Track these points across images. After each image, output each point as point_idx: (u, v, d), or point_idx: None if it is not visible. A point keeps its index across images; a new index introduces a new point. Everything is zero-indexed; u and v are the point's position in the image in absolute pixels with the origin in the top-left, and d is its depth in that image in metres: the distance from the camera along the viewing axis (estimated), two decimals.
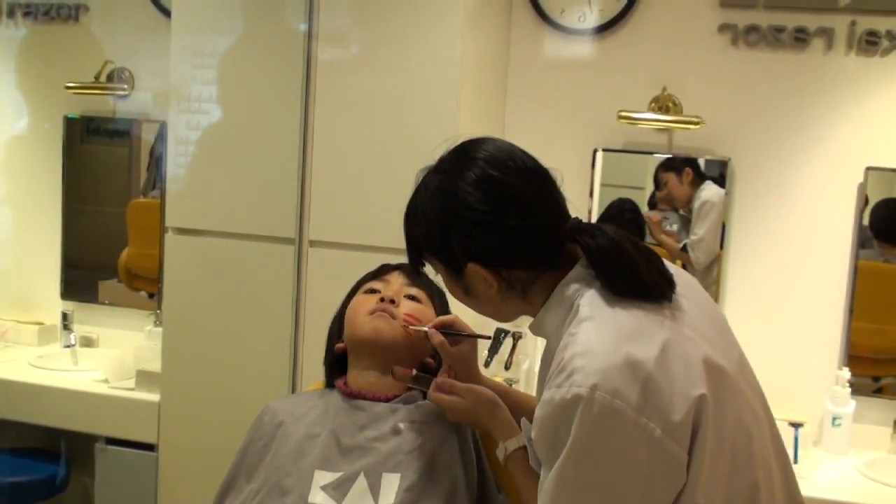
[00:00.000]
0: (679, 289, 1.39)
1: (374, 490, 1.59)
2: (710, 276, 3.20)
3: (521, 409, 1.65)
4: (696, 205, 3.23)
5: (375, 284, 1.84)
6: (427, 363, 1.82)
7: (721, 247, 3.16)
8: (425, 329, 1.73)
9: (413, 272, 1.85)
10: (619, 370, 1.25)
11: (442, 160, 1.47)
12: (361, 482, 1.60)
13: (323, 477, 1.62)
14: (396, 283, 1.84)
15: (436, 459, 1.63)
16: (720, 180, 3.14)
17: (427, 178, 1.47)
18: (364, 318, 1.77)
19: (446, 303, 1.87)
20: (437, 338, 1.70)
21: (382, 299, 1.78)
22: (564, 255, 1.42)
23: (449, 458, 1.64)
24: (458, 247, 1.41)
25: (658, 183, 3.25)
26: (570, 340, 1.31)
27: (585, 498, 1.28)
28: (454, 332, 1.73)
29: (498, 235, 1.39)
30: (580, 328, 1.31)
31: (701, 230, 3.22)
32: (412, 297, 1.82)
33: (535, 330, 1.48)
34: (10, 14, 3.87)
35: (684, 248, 3.25)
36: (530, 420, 1.37)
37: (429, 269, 1.58)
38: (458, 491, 1.62)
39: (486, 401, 1.64)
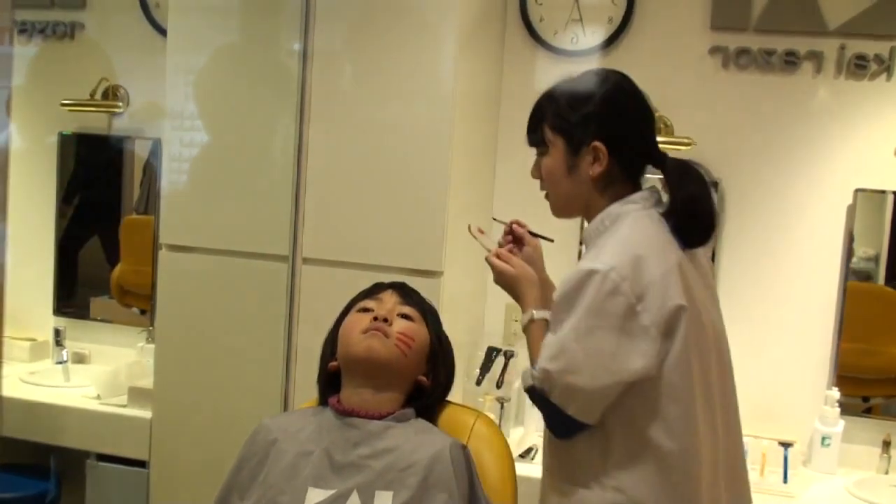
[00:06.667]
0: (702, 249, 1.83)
1: None
2: None
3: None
4: None
5: (369, 303, 1.85)
6: (420, 381, 1.83)
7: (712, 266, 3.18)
8: (505, 222, 1.99)
9: (406, 291, 1.88)
10: (633, 266, 1.67)
11: (606, 70, 1.89)
12: (354, 499, 1.61)
13: (316, 494, 1.62)
14: (390, 302, 1.85)
15: (429, 477, 1.64)
16: None
17: (582, 77, 1.85)
18: (358, 336, 1.78)
19: (439, 321, 1.89)
20: (521, 229, 1.97)
21: (376, 318, 1.79)
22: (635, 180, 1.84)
23: (442, 476, 1.65)
24: (599, 126, 1.78)
25: None
26: (613, 232, 1.74)
27: (585, 344, 1.67)
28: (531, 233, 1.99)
29: (633, 131, 1.83)
30: (622, 227, 1.75)
31: None
32: (405, 316, 1.83)
33: (589, 234, 1.83)
34: None
35: None
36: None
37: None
38: None
39: (531, 278, 1.88)
